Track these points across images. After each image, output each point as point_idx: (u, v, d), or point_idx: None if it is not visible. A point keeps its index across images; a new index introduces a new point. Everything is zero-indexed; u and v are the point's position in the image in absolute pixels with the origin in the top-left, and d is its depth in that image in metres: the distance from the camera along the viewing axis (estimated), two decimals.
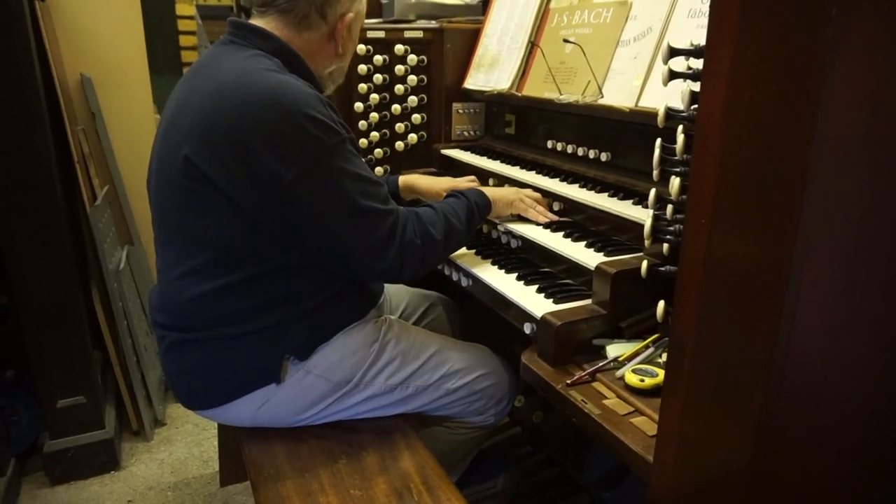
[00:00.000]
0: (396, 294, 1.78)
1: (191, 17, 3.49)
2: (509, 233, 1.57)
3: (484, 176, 1.86)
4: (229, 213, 1.22)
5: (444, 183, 1.73)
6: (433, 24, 2.09)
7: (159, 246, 1.37)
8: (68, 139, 2.23)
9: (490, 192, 1.54)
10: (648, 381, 1.04)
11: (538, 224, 1.54)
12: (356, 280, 1.38)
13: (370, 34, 2.06)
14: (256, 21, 1.34)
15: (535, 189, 1.67)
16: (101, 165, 2.61)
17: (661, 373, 1.04)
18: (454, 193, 1.51)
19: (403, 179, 1.77)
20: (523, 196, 1.57)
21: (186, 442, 2.42)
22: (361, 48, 2.05)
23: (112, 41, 2.60)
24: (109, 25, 2.57)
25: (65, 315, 2.09)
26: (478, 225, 1.51)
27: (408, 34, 2.07)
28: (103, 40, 2.58)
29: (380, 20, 2.18)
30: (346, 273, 1.33)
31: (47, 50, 2.14)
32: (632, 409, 1.03)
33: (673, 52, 1.03)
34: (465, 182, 1.76)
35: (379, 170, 2.17)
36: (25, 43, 1.91)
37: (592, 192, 1.53)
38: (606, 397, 1.06)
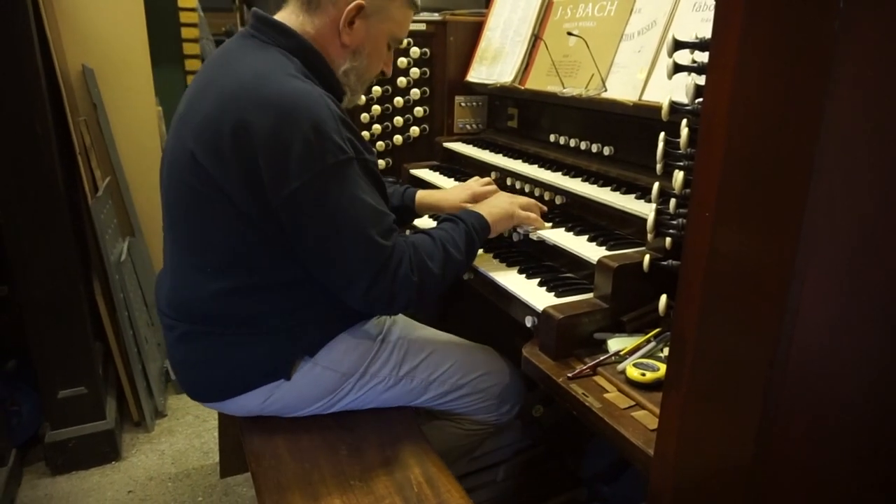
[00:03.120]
0: None
1: (192, 9, 3.48)
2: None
3: (486, 169, 1.85)
4: (235, 219, 1.20)
5: (463, 194, 1.62)
6: (436, 16, 2.09)
7: (169, 239, 1.35)
8: (70, 130, 2.23)
9: (486, 211, 1.43)
10: (650, 375, 1.04)
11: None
12: None
13: None
14: (279, 15, 1.32)
15: (537, 183, 1.67)
16: (102, 157, 2.60)
17: (663, 367, 1.03)
18: (451, 218, 1.40)
19: (421, 197, 1.66)
20: (518, 208, 1.46)
21: (187, 433, 2.42)
22: None
23: (114, 32, 2.59)
24: (111, 16, 2.57)
25: (66, 306, 2.10)
26: (477, 250, 1.41)
27: (411, 27, 2.06)
28: (105, 31, 2.57)
29: None
30: (336, 296, 1.27)
31: (49, 40, 2.14)
32: (633, 402, 1.03)
33: (678, 45, 1.02)
34: (482, 187, 1.64)
35: (381, 163, 2.17)
36: (27, 33, 1.90)
37: (595, 186, 1.52)
38: (607, 391, 1.07)
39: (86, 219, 2.29)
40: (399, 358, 1.40)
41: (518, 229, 1.51)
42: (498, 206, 1.46)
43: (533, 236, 1.46)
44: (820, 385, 0.92)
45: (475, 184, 1.66)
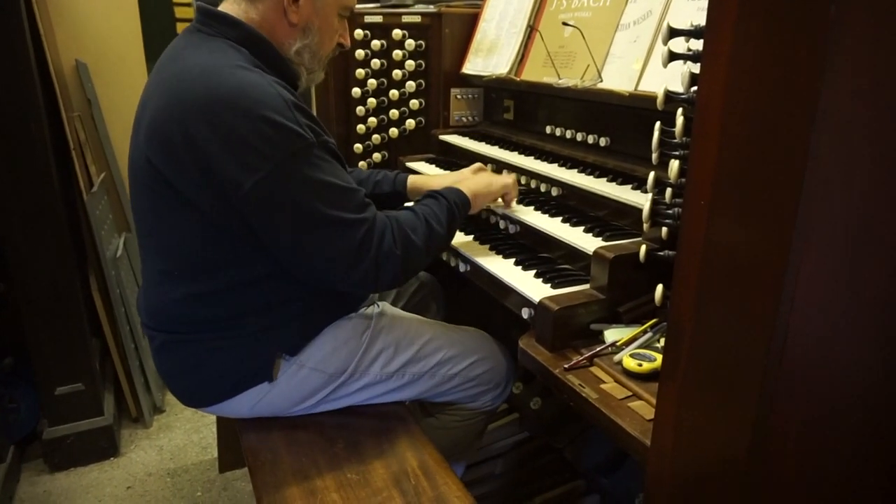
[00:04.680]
0: None
1: (188, 4, 3.47)
2: (507, 218, 1.56)
3: (482, 162, 1.84)
4: (196, 220, 1.19)
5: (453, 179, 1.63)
6: (431, 8, 2.08)
7: (140, 246, 1.34)
8: (64, 126, 2.21)
9: (467, 187, 1.45)
10: (646, 366, 1.03)
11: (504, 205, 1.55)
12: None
13: (368, 19, 2.04)
14: (223, 6, 1.28)
15: (534, 174, 1.66)
16: (97, 152, 2.59)
17: (660, 357, 1.03)
18: (432, 194, 1.41)
19: (413, 181, 1.67)
20: (498, 187, 1.50)
21: (185, 429, 2.42)
22: (359, 33, 2.04)
23: (107, 26, 2.57)
24: (105, 10, 2.55)
25: (62, 302, 2.09)
26: (459, 225, 1.43)
27: (406, 19, 2.05)
28: (99, 25, 2.56)
29: (377, 5, 2.16)
30: (318, 283, 1.28)
31: (42, 35, 2.12)
32: (629, 393, 1.02)
33: (673, 33, 1.02)
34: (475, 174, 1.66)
35: (377, 156, 2.16)
36: (19, 28, 1.89)
37: (591, 177, 1.52)
38: (604, 382, 1.06)
39: (81, 215, 2.29)
40: (389, 355, 1.39)
41: (496, 212, 1.55)
42: (477, 181, 1.50)
43: (499, 212, 1.53)
44: (817, 373, 0.91)
45: (468, 171, 1.66)
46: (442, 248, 1.41)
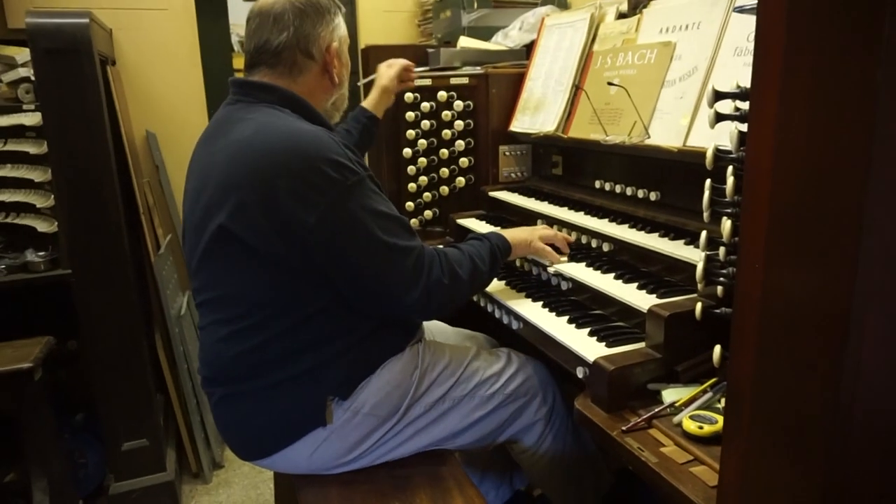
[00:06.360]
0: (441, 335, 1.79)
1: None
2: (559, 275, 1.57)
3: (532, 217, 1.86)
4: (262, 267, 1.25)
5: (390, 71, 1.99)
6: (478, 70, 2.14)
7: (197, 304, 1.41)
8: (135, 192, 2.35)
9: (509, 234, 1.58)
10: (707, 429, 1.01)
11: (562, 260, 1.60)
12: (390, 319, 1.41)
13: (417, 82, 2.12)
14: (255, 77, 1.39)
15: (584, 230, 1.67)
16: (164, 215, 2.74)
17: (721, 419, 1.00)
18: (477, 236, 1.54)
19: (366, 103, 1.98)
20: (538, 238, 1.60)
21: (244, 484, 2.45)
22: (409, 95, 2.11)
23: (175, 99, 2.76)
24: (173, 85, 2.74)
25: (130, 360, 2.18)
26: (499, 268, 1.54)
27: (453, 81, 2.12)
28: (167, 99, 2.74)
29: (426, 68, 2.25)
30: (378, 312, 1.35)
31: (117, 109, 2.29)
32: (691, 457, 1.00)
33: (718, 96, 1.03)
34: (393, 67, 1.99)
35: (428, 213, 2.21)
36: (97, 103, 2.05)
37: (642, 232, 1.51)
38: (664, 445, 1.04)
39: (148, 274, 2.40)
40: (433, 387, 1.44)
41: (548, 268, 1.60)
42: (519, 232, 1.62)
43: (551, 269, 1.59)
44: (889, 432, 0.87)
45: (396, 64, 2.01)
46: (484, 285, 1.53)
